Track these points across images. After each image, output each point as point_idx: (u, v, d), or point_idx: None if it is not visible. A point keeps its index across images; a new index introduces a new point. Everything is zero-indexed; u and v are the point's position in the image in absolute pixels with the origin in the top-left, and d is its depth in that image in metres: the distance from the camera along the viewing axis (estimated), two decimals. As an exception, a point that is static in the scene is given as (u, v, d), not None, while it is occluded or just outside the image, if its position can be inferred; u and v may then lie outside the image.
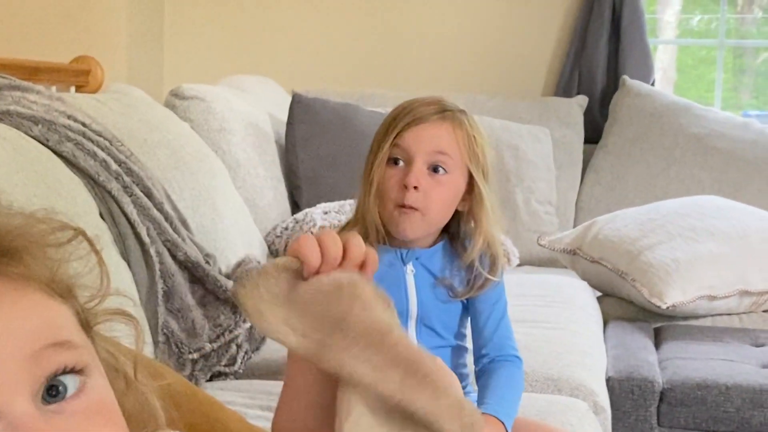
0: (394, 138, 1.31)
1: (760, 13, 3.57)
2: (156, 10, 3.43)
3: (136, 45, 3.31)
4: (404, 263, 1.34)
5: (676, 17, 3.61)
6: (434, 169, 1.31)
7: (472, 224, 1.35)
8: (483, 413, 1.26)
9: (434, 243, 1.36)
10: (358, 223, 1.35)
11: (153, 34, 3.41)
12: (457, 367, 1.38)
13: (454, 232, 1.37)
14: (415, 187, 1.29)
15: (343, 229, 1.39)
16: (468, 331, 1.39)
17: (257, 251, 2.10)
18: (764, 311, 2.31)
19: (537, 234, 2.73)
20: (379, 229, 1.32)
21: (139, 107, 1.94)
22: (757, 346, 2.09)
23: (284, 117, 2.62)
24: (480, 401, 1.30)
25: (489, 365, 1.34)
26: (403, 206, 1.30)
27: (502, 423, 1.26)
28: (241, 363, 1.68)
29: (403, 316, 1.33)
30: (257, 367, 1.72)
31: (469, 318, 1.38)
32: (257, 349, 1.75)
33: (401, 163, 1.31)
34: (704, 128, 3.07)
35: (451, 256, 1.36)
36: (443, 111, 1.33)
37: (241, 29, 3.46)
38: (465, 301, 1.36)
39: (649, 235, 2.32)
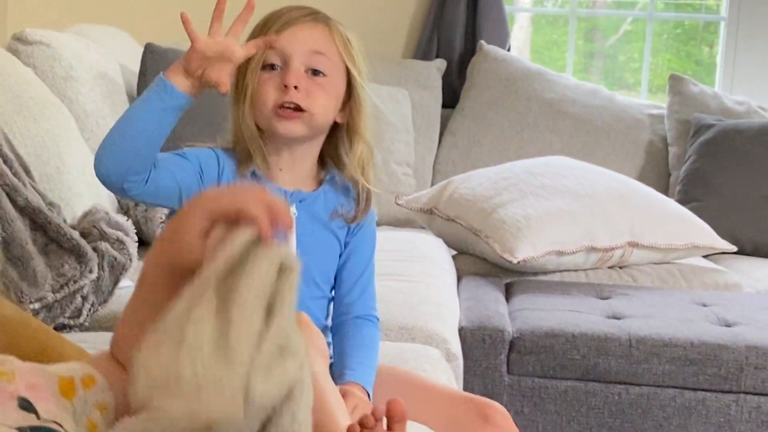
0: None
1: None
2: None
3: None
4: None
5: (532, -1, 3.72)
6: (313, 72, 1.26)
7: (350, 136, 1.32)
8: (348, 380, 1.25)
9: (318, 186, 1.32)
10: (237, 145, 1.28)
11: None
12: (326, 318, 1.35)
13: (331, 154, 1.33)
14: (296, 87, 1.24)
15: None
16: None
17: (105, 203, 2.02)
18: (609, 267, 2.40)
19: (395, 194, 2.74)
20: (258, 142, 1.25)
21: (-24, 48, 1.83)
22: (603, 298, 2.17)
23: (136, 68, 2.52)
24: (342, 366, 1.28)
25: (351, 323, 1.32)
26: (283, 106, 1.24)
27: (365, 389, 1.25)
28: (87, 315, 1.62)
29: None
30: (104, 319, 1.65)
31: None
32: (104, 301, 1.68)
33: (277, 68, 1.26)
34: (556, 94, 3.15)
35: (335, 188, 1.33)
36: (316, 14, 1.30)
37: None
38: (344, 247, 1.33)
39: (502, 194, 2.36)
